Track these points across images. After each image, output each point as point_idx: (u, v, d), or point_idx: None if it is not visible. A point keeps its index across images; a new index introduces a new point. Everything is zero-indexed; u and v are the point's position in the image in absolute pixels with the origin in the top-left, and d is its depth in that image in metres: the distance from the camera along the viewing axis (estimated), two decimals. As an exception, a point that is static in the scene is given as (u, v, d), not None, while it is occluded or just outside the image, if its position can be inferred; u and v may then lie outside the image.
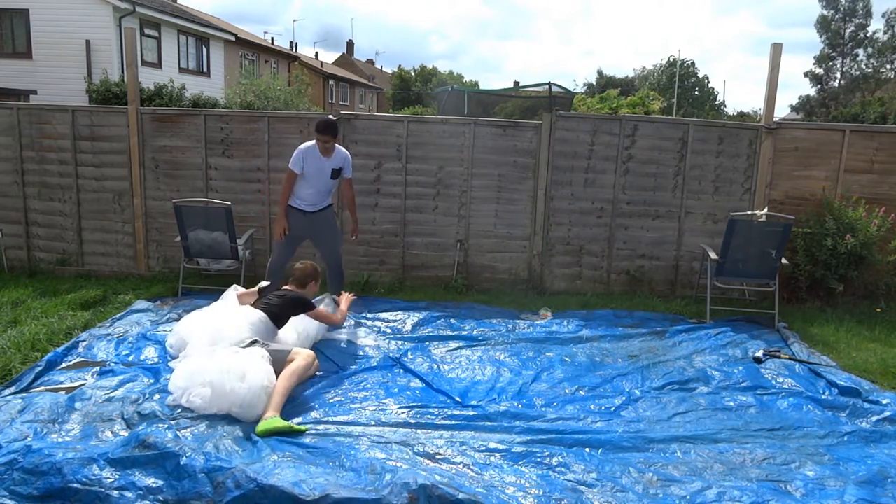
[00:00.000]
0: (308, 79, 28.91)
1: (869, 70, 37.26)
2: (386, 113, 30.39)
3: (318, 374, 4.48)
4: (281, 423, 3.59)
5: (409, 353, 4.95)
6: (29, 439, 3.40)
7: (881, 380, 4.76)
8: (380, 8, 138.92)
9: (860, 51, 37.84)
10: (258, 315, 4.46)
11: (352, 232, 6.12)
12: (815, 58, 38.72)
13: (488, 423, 3.83)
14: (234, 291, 5.26)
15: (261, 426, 3.55)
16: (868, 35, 37.36)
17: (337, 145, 5.65)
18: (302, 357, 4.19)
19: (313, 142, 5.57)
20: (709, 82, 52.41)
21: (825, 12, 38.10)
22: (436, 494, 2.92)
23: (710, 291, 6.19)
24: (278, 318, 4.59)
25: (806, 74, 39.13)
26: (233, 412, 3.68)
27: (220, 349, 4.05)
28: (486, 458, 3.44)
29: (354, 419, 3.83)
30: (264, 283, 5.08)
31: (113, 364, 4.59)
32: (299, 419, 3.81)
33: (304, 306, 4.80)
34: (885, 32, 36.77)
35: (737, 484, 3.23)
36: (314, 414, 3.88)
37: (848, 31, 37.72)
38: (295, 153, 5.59)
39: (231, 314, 4.58)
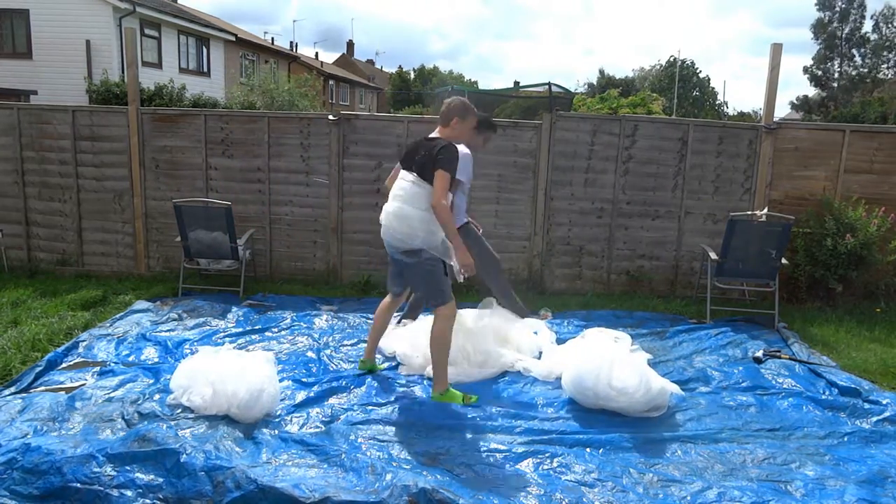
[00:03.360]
0: (318, 83, 28.80)
1: (865, 70, 37.36)
2: (386, 113, 30.39)
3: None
4: (457, 394, 3.93)
5: (410, 353, 4.93)
6: (28, 438, 3.40)
7: (881, 380, 4.76)
8: (380, 8, 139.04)
9: (855, 51, 37.98)
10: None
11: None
12: (812, 59, 38.91)
13: (489, 423, 3.83)
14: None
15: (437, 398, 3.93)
16: (862, 35, 37.54)
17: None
18: (441, 317, 3.65)
19: (461, 144, 4.27)
20: (710, 83, 52.20)
21: (821, 14, 38.23)
22: (436, 499, 2.92)
23: (710, 291, 6.19)
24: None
25: (806, 70, 39.25)
26: (231, 413, 3.68)
27: (224, 349, 4.05)
28: (487, 458, 3.44)
29: (355, 418, 3.84)
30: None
31: (113, 364, 4.59)
32: (302, 416, 3.82)
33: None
34: (873, 31, 37.01)
35: (737, 484, 3.23)
36: (315, 414, 3.89)
37: (844, 33, 37.83)
38: (460, 157, 4.09)
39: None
